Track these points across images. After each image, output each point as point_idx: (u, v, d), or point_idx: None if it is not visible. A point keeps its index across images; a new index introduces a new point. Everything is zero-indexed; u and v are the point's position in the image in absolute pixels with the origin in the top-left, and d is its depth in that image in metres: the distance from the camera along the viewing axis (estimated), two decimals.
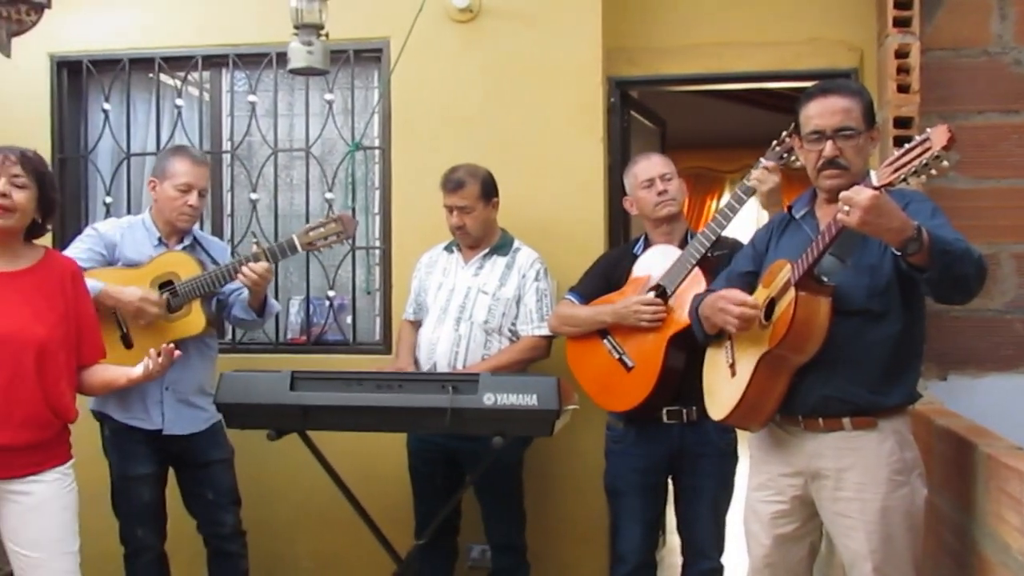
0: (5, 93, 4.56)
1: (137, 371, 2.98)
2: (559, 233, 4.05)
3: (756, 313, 2.60)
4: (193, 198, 3.64)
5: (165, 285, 3.56)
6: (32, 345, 2.83)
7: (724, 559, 3.48)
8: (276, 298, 4.45)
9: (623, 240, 4.28)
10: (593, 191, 4.14)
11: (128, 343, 3.52)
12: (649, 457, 3.43)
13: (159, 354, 2.93)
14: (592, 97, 4.15)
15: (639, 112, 4.81)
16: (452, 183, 3.71)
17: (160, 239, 3.68)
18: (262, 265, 3.51)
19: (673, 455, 3.42)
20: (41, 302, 2.90)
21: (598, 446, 3.64)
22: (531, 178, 4.12)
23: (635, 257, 3.54)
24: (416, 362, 3.80)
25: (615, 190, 4.10)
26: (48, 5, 3.92)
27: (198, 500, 3.73)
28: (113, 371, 3.08)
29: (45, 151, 4.48)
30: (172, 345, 3.00)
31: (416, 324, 3.89)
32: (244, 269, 3.49)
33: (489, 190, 3.76)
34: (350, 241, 4.37)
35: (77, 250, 3.57)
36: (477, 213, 3.73)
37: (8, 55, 3.94)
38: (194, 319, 3.57)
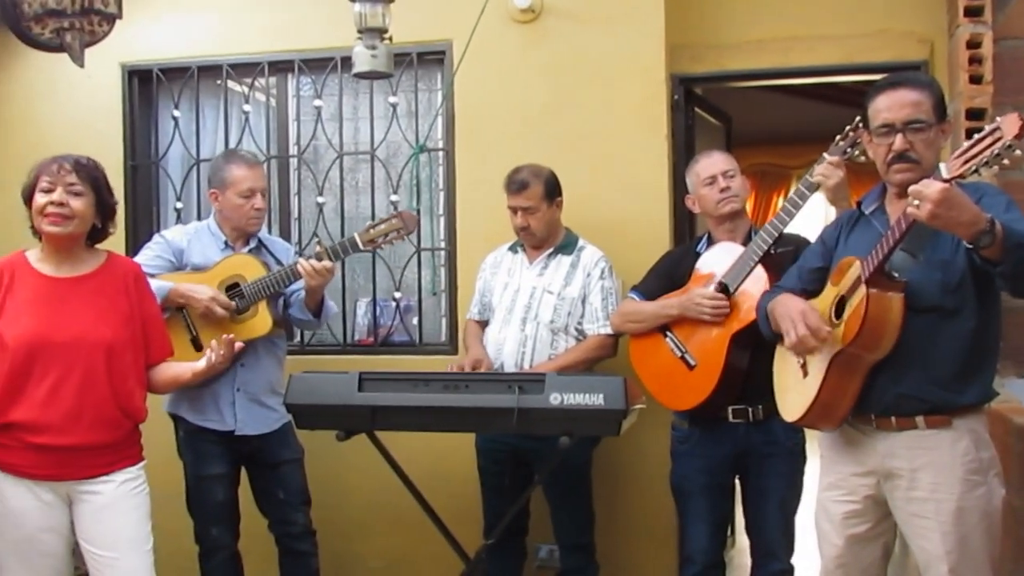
0: (79, 102, 4.68)
1: (200, 364, 3.04)
2: (623, 232, 4.04)
3: (816, 345, 2.56)
4: (258, 201, 3.71)
5: (231, 287, 3.62)
6: (99, 347, 2.90)
7: (795, 560, 3.44)
8: (343, 300, 4.51)
9: (688, 238, 4.24)
10: (657, 189, 4.11)
11: (198, 346, 3.58)
12: (715, 457, 3.40)
13: (221, 346, 2.99)
14: (656, 95, 4.12)
15: (703, 109, 4.77)
16: (516, 184, 3.72)
17: (226, 243, 3.74)
18: (323, 263, 3.54)
19: (739, 455, 3.39)
20: (106, 305, 2.97)
21: (665, 446, 3.61)
22: (595, 177, 4.11)
23: (698, 255, 3.51)
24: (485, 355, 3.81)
25: (679, 188, 4.06)
26: (119, 15, 4.01)
27: (269, 500, 3.78)
28: (178, 367, 3.14)
29: (117, 158, 4.59)
30: (232, 336, 3.05)
31: (482, 324, 3.91)
32: (305, 266, 3.53)
33: (553, 190, 3.75)
34: (415, 242, 4.41)
35: (146, 257, 3.65)
36: (541, 213, 3.72)
37: (82, 65, 4.05)
38: (261, 320, 3.63)
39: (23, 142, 4.65)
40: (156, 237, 3.81)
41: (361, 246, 3.64)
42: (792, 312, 2.64)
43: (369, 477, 4.12)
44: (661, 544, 4.08)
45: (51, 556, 2.91)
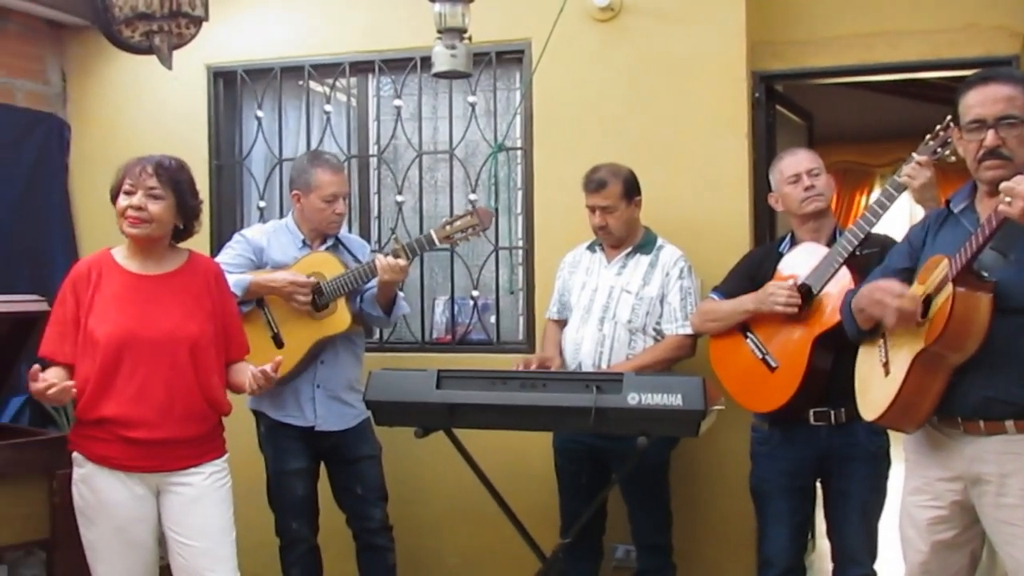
0: (166, 103, 4.79)
1: (244, 386, 3.09)
2: (703, 231, 4.00)
3: (915, 308, 2.51)
4: (340, 206, 3.76)
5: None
6: (186, 342, 2.97)
7: (878, 566, 3.37)
8: (421, 298, 4.55)
9: (769, 238, 4.19)
10: (737, 188, 4.07)
11: (279, 342, 3.64)
12: (795, 459, 3.35)
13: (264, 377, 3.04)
14: (736, 92, 4.08)
15: (785, 106, 4.71)
16: (594, 183, 3.71)
17: (304, 241, 3.79)
18: (398, 260, 3.57)
19: (821, 458, 3.33)
20: (190, 301, 3.04)
21: (744, 447, 3.57)
22: (674, 176, 4.08)
23: (780, 255, 3.46)
24: (561, 356, 3.81)
25: (760, 187, 4.02)
26: (206, 18, 4.10)
27: (348, 495, 3.83)
28: (243, 373, 3.13)
29: (202, 158, 4.69)
30: (280, 359, 3.06)
31: (560, 323, 3.90)
32: (382, 262, 3.57)
33: (631, 189, 3.73)
34: (493, 241, 4.43)
35: (227, 256, 3.71)
36: (619, 212, 3.71)
37: (170, 67, 4.15)
38: (340, 317, 3.67)
39: (113, 142, 4.78)
40: (236, 236, 3.88)
41: (437, 242, 3.67)
42: (872, 294, 2.60)
43: (446, 474, 4.15)
44: (740, 546, 4.03)
45: (141, 547, 2.98)
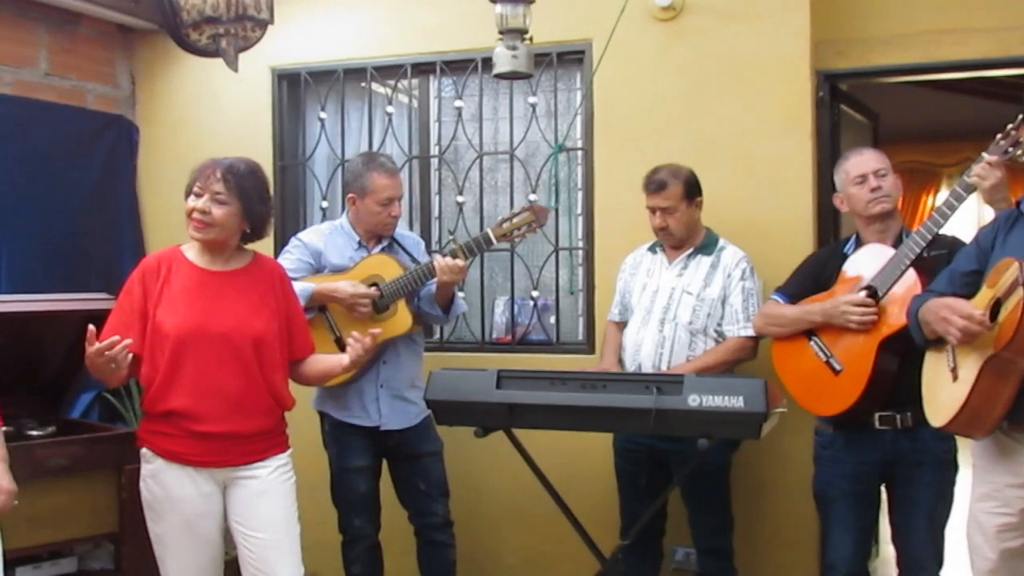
0: (232, 105, 4.86)
1: (346, 359, 3.12)
2: (766, 232, 3.96)
3: (981, 330, 2.46)
4: (395, 208, 3.78)
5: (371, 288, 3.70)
6: (252, 338, 3.01)
7: (944, 573, 3.31)
8: (481, 298, 4.57)
9: (833, 239, 4.13)
10: (801, 188, 4.02)
11: (342, 346, 3.66)
12: (860, 464, 3.31)
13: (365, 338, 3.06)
14: (800, 92, 4.03)
15: (849, 105, 4.64)
16: (654, 184, 3.69)
17: (359, 242, 3.82)
18: (456, 261, 3.59)
19: (886, 463, 3.28)
20: (256, 299, 3.08)
21: (807, 450, 3.54)
22: (736, 176, 4.05)
23: (845, 256, 3.42)
24: (621, 363, 3.80)
25: (824, 187, 3.97)
26: (271, 21, 4.16)
27: (410, 491, 3.85)
28: (328, 360, 3.24)
29: (267, 159, 4.75)
30: (377, 330, 3.11)
31: (621, 325, 3.89)
32: (441, 263, 3.58)
33: (692, 190, 3.71)
34: (553, 242, 4.43)
35: (287, 260, 3.73)
36: (680, 214, 3.69)
37: (236, 70, 4.22)
38: (401, 318, 3.70)
39: (179, 144, 4.87)
40: (294, 240, 3.90)
41: (495, 241, 3.69)
42: (939, 311, 2.56)
43: (506, 474, 4.16)
44: (803, 551, 3.99)
45: (207, 541, 3.03)
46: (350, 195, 3.81)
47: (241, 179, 3.01)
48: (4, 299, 3.28)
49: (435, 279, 3.67)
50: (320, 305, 3.68)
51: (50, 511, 3.52)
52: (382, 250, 3.82)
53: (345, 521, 3.82)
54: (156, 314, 2.98)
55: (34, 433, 3.70)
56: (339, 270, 3.76)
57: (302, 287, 3.57)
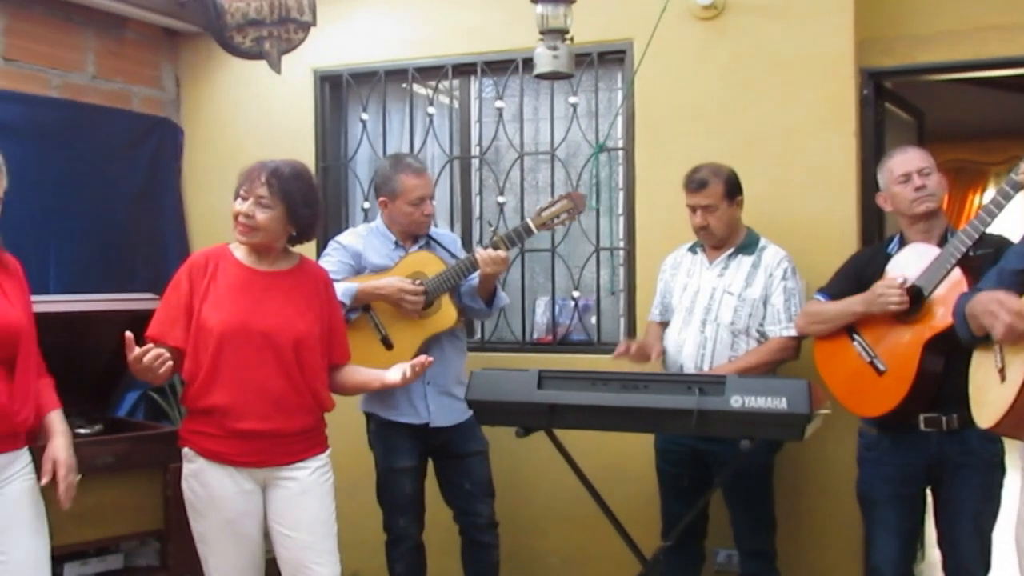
0: (275, 107, 4.91)
1: (395, 378, 3.13)
2: (808, 232, 3.93)
3: None
4: (427, 207, 3.79)
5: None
6: (294, 338, 3.03)
7: None
8: (522, 298, 4.57)
9: (877, 239, 4.09)
10: (844, 188, 3.98)
11: (388, 345, 3.69)
12: (905, 466, 3.28)
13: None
14: (843, 90, 3.99)
15: (894, 103, 4.59)
16: (695, 183, 3.67)
17: (396, 243, 3.84)
18: (498, 252, 3.60)
19: (932, 465, 3.25)
20: (300, 301, 3.10)
21: (851, 452, 3.50)
22: (779, 175, 4.02)
23: (889, 256, 3.38)
24: (662, 364, 3.79)
25: (868, 186, 3.93)
26: (314, 23, 4.20)
27: (456, 490, 3.86)
28: (366, 374, 3.25)
29: (310, 160, 4.79)
30: (429, 360, 3.14)
31: (662, 325, 3.88)
32: (483, 255, 3.59)
33: (733, 189, 3.69)
34: (594, 242, 4.42)
35: (328, 263, 3.73)
36: (721, 212, 3.67)
37: (279, 72, 4.27)
38: (446, 313, 3.72)
39: (223, 145, 4.92)
40: (332, 243, 3.91)
41: (535, 230, 3.69)
42: (988, 304, 2.52)
43: (547, 474, 4.16)
44: (846, 554, 3.95)
45: (248, 540, 3.06)
46: (381, 199, 3.83)
47: (285, 182, 3.02)
48: (53, 299, 3.33)
49: (477, 272, 3.68)
50: (364, 305, 3.70)
51: (97, 508, 3.57)
52: (420, 248, 3.83)
53: (390, 521, 3.84)
54: (202, 310, 3.00)
55: (82, 431, 3.75)
56: (380, 270, 3.77)
57: (345, 286, 3.59)
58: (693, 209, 3.69)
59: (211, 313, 3.00)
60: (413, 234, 3.85)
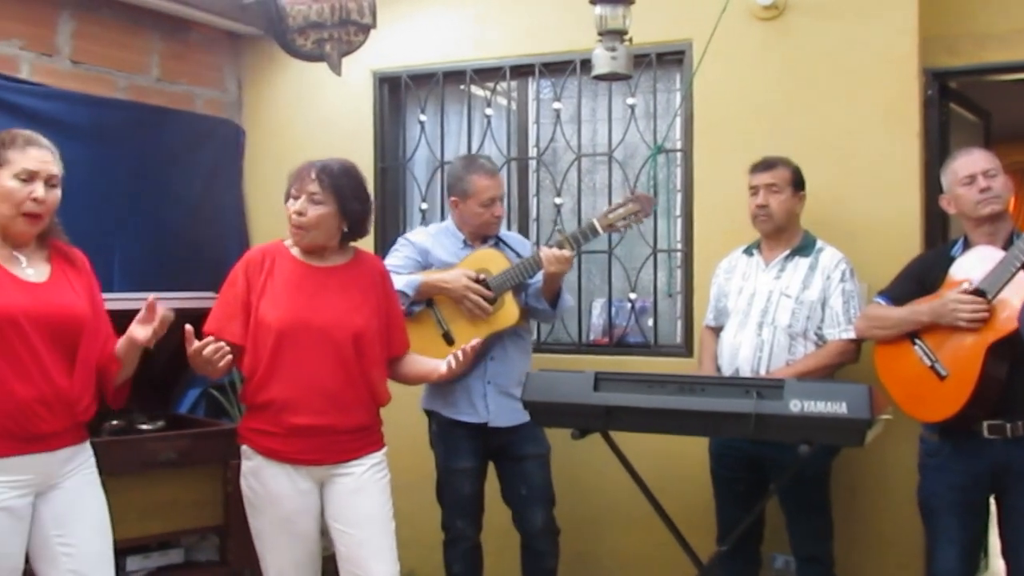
0: (334, 108, 4.96)
1: (442, 368, 3.15)
2: (870, 234, 3.88)
3: None
4: (498, 208, 3.80)
5: (477, 282, 3.71)
6: (352, 333, 3.06)
7: None
8: (579, 300, 4.56)
9: (941, 241, 4.02)
10: (907, 190, 3.92)
11: (450, 340, 3.70)
12: (967, 474, 3.21)
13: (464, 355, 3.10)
14: (907, 90, 3.93)
15: (959, 104, 4.51)
16: (764, 164, 3.67)
17: (465, 242, 3.86)
18: (563, 251, 3.58)
19: (996, 473, 3.18)
20: (357, 295, 3.13)
21: (911, 459, 3.45)
22: (841, 177, 3.97)
23: (952, 259, 3.32)
24: (717, 367, 3.76)
25: (932, 188, 3.86)
26: (374, 25, 4.23)
27: (512, 494, 3.85)
28: (427, 364, 3.27)
29: (368, 161, 4.83)
30: (477, 341, 3.14)
31: (717, 331, 3.85)
32: (547, 253, 3.58)
33: (799, 180, 3.69)
34: (651, 244, 4.40)
35: (395, 258, 3.79)
36: (784, 197, 3.64)
37: (339, 73, 4.31)
38: (508, 311, 3.71)
39: (284, 146, 4.98)
40: (401, 240, 3.96)
41: (601, 231, 3.68)
42: None
43: (602, 477, 4.15)
44: (906, 563, 3.88)
45: (305, 537, 3.09)
46: (453, 198, 3.84)
47: (335, 178, 3.06)
48: (116, 297, 3.38)
49: (542, 271, 3.67)
50: (427, 299, 3.72)
51: (159, 503, 3.63)
52: (489, 246, 3.85)
53: (448, 521, 3.85)
54: (259, 306, 3.04)
55: (144, 427, 3.82)
56: (446, 266, 3.79)
57: (409, 279, 3.63)
58: (755, 190, 3.67)
59: (269, 309, 3.03)
60: (483, 235, 3.86)
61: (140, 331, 2.86)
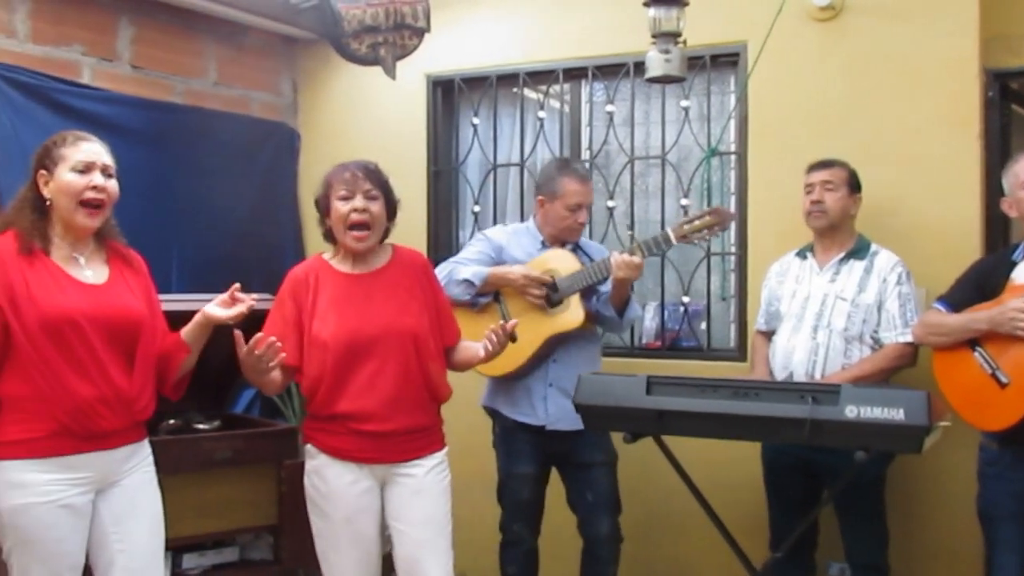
0: (388, 111, 4.99)
1: (480, 352, 3.15)
2: (929, 238, 3.82)
3: None
4: (582, 216, 3.77)
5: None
6: (406, 335, 3.07)
7: None
8: None
9: (1001, 246, 3.94)
10: (967, 193, 3.86)
11: (512, 337, 3.67)
12: None
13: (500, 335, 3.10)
14: (967, 91, 3.87)
15: (1021, 105, 4.43)
16: (822, 163, 3.66)
17: (543, 243, 3.84)
18: (632, 257, 3.52)
19: None
20: (403, 294, 3.14)
21: (970, 467, 3.38)
22: (900, 180, 3.91)
23: (1013, 264, 3.25)
24: (770, 372, 3.73)
25: (993, 191, 3.79)
26: (428, 29, 4.25)
27: (579, 500, 3.82)
28: (469, 349, 3.26)
29: (421, 164, 4.87)
30: (515, 322, 3.13)
31: (768, 335, 3.82)
32: (617, 258, 3.54)
33: (855, 183, 3.65)
34: (705, 247, 4.36)
35: (470, 251, 3.82)
36: (840, 195, 3.61)
37: (394, 77, 4.34)
38: (573, 314, 3.68)
39: (338, 149, 4.97)
40: (478, 235, 3.99)
41: (675, 241, 3.59)
42: None
43: (655, 481, 4.12)
44: (964, 572, 3.81)
45: (365, 537, 3.10)
46: (540, 197, 3.83)
47: (378, 175, 3.13)
48: (174, 298, 3.44)
49: (611, 277, 3.63)
50: (494, 292, 3.73)
51: (215, 502, 3.68)
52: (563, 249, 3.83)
53: (506, 523, 3.85)
54: (312, 326, 3.06)
55: (201, 426, 3.88)
56: (519, 264, 3.79)
57: (478, 271, 3.65)
58: (811, 187, 3.64)
59: (322, 328, 3.05)
60: (563, 240, 3.82)
61: (219, 310, 2.91)
